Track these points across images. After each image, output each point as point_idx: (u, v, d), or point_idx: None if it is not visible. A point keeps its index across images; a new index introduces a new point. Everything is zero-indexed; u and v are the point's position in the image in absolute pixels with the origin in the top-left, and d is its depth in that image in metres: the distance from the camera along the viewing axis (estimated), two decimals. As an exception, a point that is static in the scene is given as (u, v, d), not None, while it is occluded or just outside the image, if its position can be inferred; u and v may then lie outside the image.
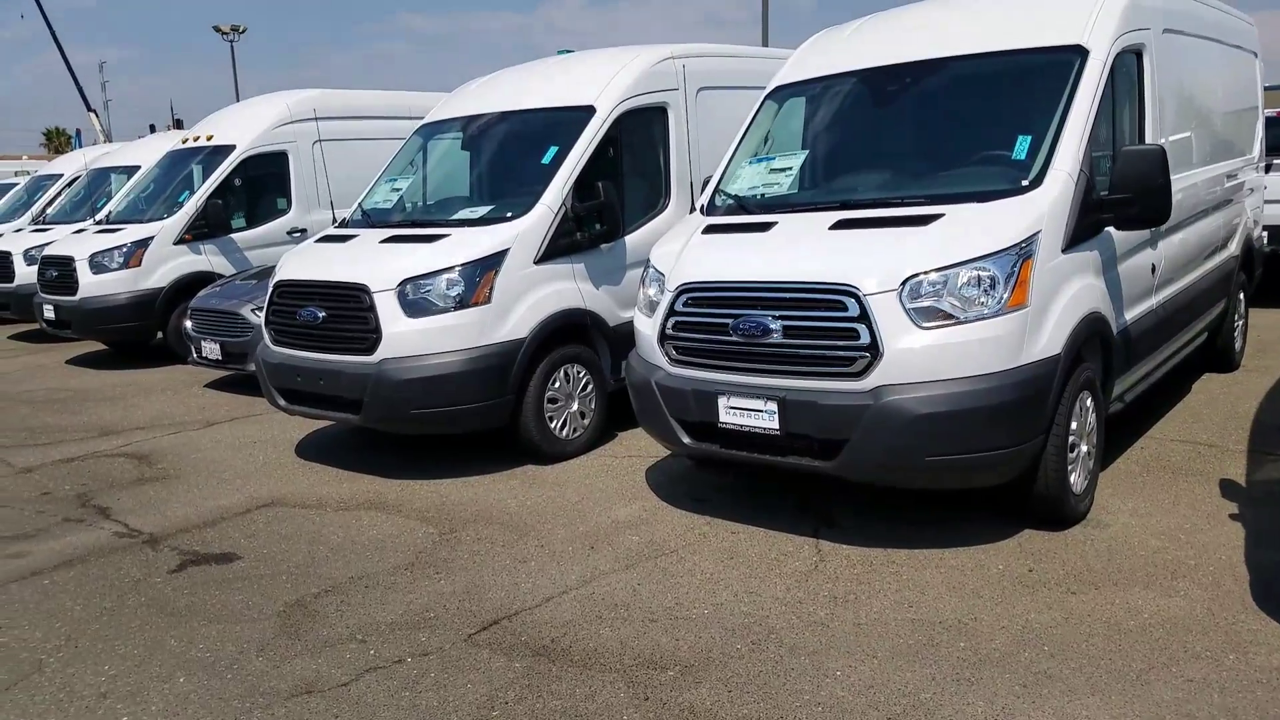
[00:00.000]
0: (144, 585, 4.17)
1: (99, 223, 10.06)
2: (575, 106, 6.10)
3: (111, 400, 8.01)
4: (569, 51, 7.62)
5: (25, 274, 10.82)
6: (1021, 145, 4.23)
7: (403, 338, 5.26)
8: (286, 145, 9.76)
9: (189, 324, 8.05)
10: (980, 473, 3.90)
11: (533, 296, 5.54)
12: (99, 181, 12.45)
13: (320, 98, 9.94)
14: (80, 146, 23.51)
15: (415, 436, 5.93)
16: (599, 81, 6.19)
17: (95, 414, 7.54)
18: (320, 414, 5.76)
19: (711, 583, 3.88)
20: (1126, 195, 4.11)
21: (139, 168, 11.20)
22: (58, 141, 57.06)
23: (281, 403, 5.81)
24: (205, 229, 9.32)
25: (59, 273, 9.43)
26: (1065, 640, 3.26)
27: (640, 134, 6.34)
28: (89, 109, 28.09)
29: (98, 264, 9.15)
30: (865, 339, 3.79)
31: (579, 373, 5.81)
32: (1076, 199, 4.05)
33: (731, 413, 4.16)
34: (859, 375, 3.81)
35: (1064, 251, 4.00)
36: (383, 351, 5.27)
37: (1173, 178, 4.23)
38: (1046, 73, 4.43)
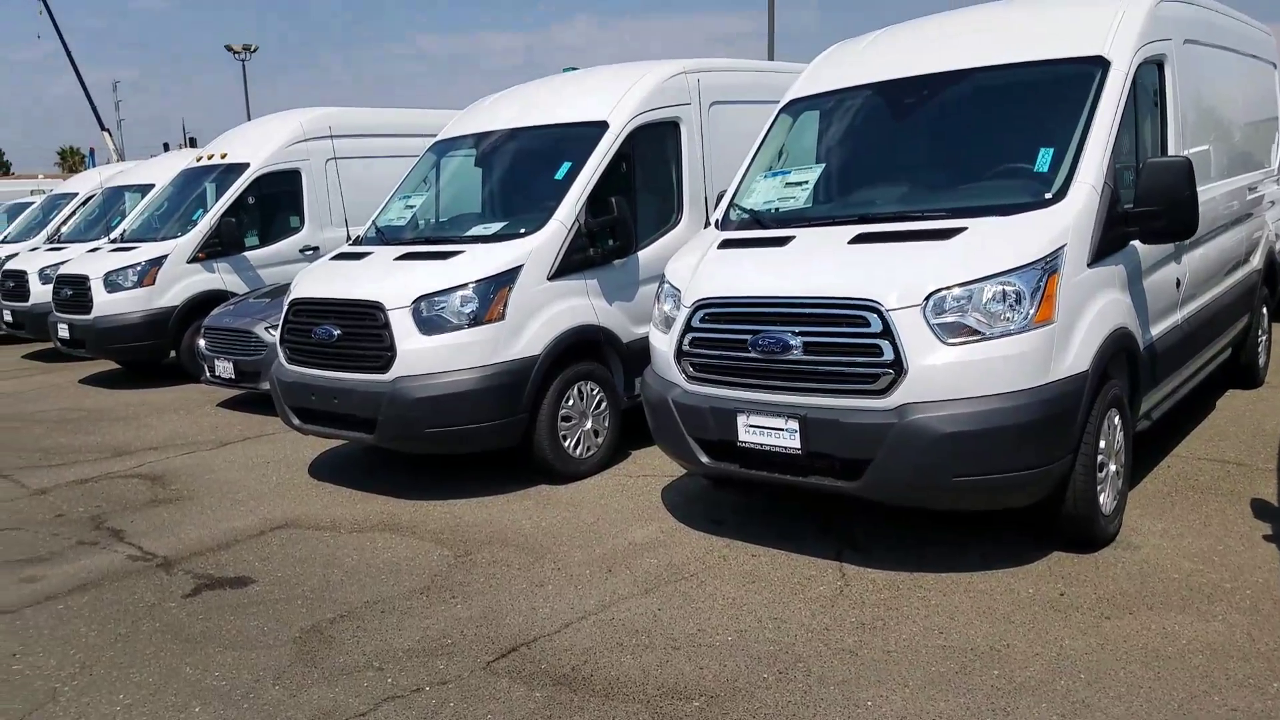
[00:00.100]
0: (158, 610, 4.12)
1: (113, 241, 10.09)
2: (588, 122, 6.07)
3: (125, 420, 8.00)
4: (574, 69, 7.62)
5: (40, 293, 10.84)
6: (1044, 158, 4.17)
7: (417, 355, 5.22)
8: (299, 163, 9.78)
9: (202, 343, 8.04)
10: (1008, 493, 3.81)
11: (546, 313, 5.50)
12: (113, 200, 12.51)
13: (334, 115, 9.97)
14: (94, 165, 23.71)
15: (428, 456, 5.88)
16: (612, 97, 6.17)
17: (109, 434, 7.53)
18: (334, 433, 5.72)
19: (734, 608, 3.79)
20: (1152, 208, 4.04)
21: (153, 186, 11.24)
22: (72, 160, 57.73)
23: (296, 422, 5.78)
24: (219, 247, 9.34)
25: (74, 292, 9.45)
26: (1102, 667, 3.17)
27: (653, 149, 6.31)
28: (103, 128, 28.41)
29: (112, 283, 9.17)
30: (889, 355, 3.72)
31: (593, 390, 5.76)
32: (1101, 212, 3.98)
33: (751, 431, 4.09)
34: (883, 393, 3.74)
35: (1089, 266, 3.93)
36: (397, 369, 5.23)
37: (1196, 190, 4.15)
38: (1068, 84, 4.37)
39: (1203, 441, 5.53)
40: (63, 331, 9.57)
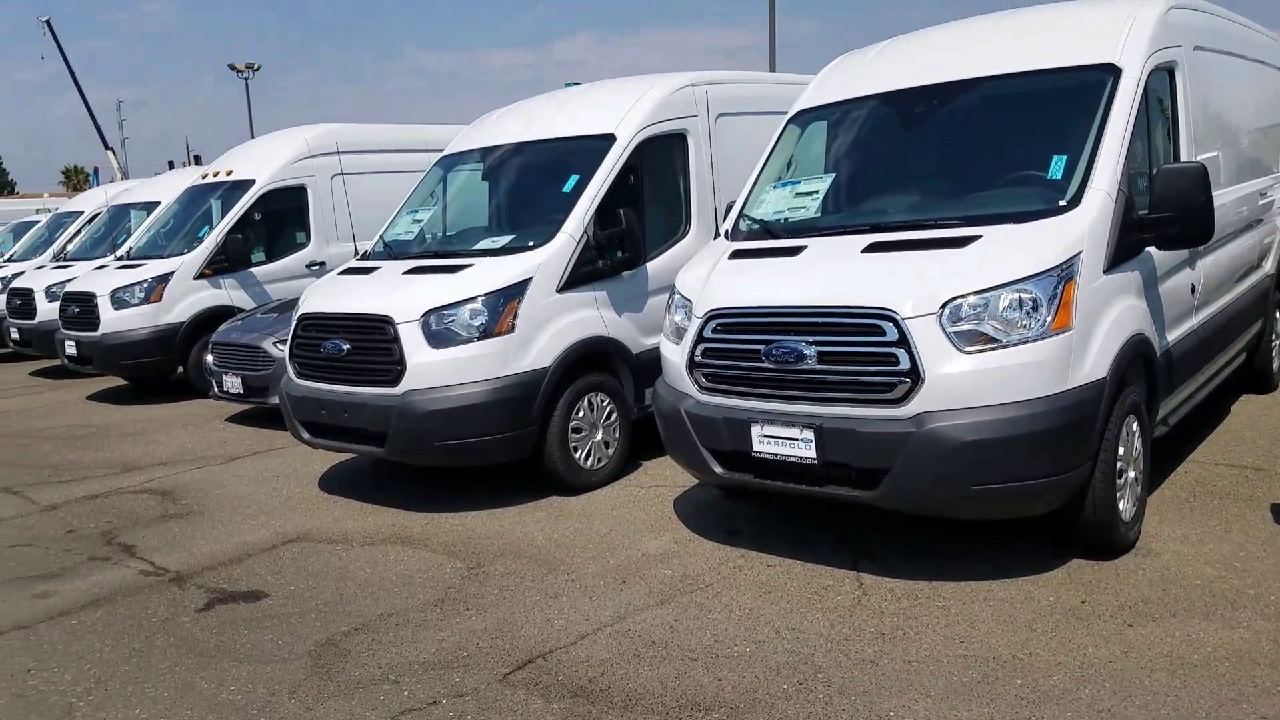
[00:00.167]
0: (172, 625, 4.09)
1: (120, 259, 10.12)
2: (595, 135, 6.08)
3: (133, 436, 7.98)
4: (576, 84, 7.65)
5: (47, 310, 10.86)
6: (1057, 165, 4.16)
7: (427, 368, 5.21)
8: (305, 179, 9.82)
9: (210, 358, 8.04)
10: (1027, 501, 3.78)
11: (556, 325, 5.49)
12: (119, 218, 12.56)
13: (339, 132, 10.01)
14: (98, 184, 23.84)
15: (439, 468, 5.86)
16: (619, 110, 6.19)
17: (117, 450, 7.51)
18: (344, 447, 5.71)
19: (751, 619, 3.76)
20: (1167, 214, 4.03)
21: (159, 204, 11.29)
22: (76, 179, 58.04)
23: (305, 436, 5.76)
24: (225, 263, 9.36)
25: (80, 309, 9.47)
26: (1127, 676, 3.13)
27: (660, 161, 6.32)
28: (106, 147, 28.64)
29: (119, 299, 9.18)
30: (905, 364, 3.70)
31: (603, 401, 5.74)
32: (1116, 218, 3.97)
33: (765, 441, 4.07)
34: (899, 401, 3.72)
35: (1105, 272, 3.91)
36: (407, 383, 5.22)
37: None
38: (1079, 92, 4.37)
39: (1219, 447, 5.50)
40: (70, 348, 9.58)
